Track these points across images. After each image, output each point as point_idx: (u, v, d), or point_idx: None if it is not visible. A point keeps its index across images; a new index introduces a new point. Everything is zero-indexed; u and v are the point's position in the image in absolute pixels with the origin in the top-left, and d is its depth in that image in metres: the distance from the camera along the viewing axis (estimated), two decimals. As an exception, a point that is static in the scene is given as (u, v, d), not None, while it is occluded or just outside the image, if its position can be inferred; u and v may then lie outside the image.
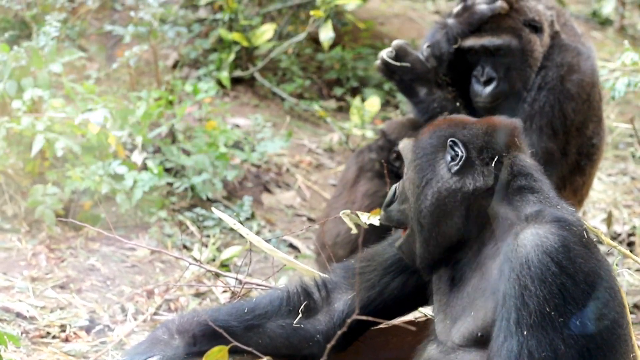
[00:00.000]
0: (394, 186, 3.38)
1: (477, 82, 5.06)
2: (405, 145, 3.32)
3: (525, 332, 2.92)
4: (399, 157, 5.33)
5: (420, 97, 5.08)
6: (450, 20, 5.12)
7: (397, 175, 5.20)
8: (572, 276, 2.93)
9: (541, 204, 3.12)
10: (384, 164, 5.22)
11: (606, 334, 2.99)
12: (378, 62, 5.10)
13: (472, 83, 5.08)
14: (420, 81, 5.06)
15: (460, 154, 3.18)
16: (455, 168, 3.18)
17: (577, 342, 2.93)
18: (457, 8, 5.15)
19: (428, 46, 5.09)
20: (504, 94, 5.04)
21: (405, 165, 3.31)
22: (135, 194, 5.73)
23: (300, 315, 3.47)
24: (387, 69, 5.08)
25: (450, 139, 3.20)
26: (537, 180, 3.22)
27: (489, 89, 5.04)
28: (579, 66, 5.05)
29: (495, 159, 3.19)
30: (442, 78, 5.09)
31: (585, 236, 3.04)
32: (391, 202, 3.35)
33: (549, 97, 4.99)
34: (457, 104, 5.06)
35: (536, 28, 5.03)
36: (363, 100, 7.39)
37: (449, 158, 3.19)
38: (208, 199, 6.21)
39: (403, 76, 5.07)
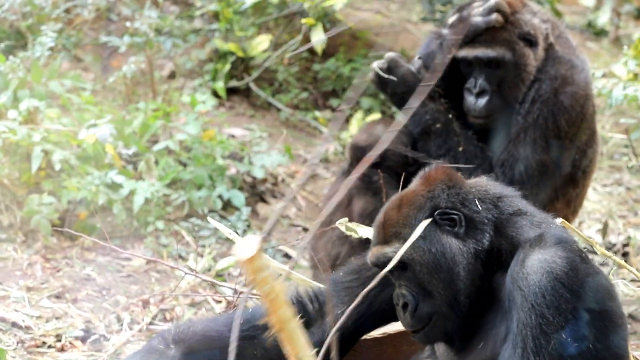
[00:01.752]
0: (400, 301, 3.22)
1: (469, 94, 5.05)
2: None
3: None
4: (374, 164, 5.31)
5: (413, 110, 5.08)
6: (445, 31, 5.13)
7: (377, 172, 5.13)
8: (583, 298, 2.99)
9: (535, 225, 3.15)
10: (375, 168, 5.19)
11: (611, 348, 3.05)
12: (370, 74, 5.10)
13: (464, 95, 5.08)
14: (412, 93, 5.06)
15: (455, 217, 3.17)
16: (462, 230, 3.18)
17: None
18: (452, 19, 5.16)
19: (419, 58, 5.11)
20: (496, 106, 5.05)
21: (408, 272, 3.20)
22: (137, 200, 5.72)
23: (295, 328, 3.48)
24: (380, 81, 5.08)
25: (436, 212, 3.18)
26: (515, 198, 3.25)
27: (481, 101, 5.04)
28: (572, 79, 5.05)
29: (477, 201, 3.20)
30: (434, 90, 5.09)
31: (582, 250, 3.11)
32: (414, 312, 3.22)
33: (543, 109, 4.99)
34: (450, 115, 5.06)
35: (531, 42, 5.04)
36: (363, 111, 7.41)
37: (448, 228, 3.17)
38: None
39: (395, 89, 5.07)
